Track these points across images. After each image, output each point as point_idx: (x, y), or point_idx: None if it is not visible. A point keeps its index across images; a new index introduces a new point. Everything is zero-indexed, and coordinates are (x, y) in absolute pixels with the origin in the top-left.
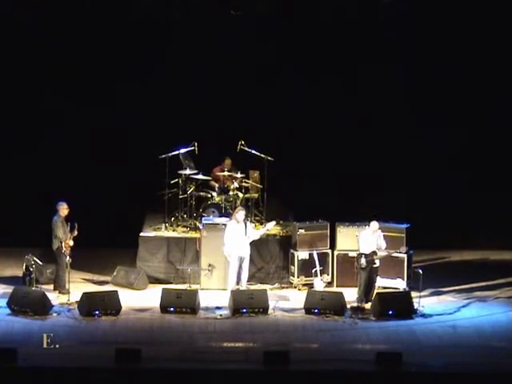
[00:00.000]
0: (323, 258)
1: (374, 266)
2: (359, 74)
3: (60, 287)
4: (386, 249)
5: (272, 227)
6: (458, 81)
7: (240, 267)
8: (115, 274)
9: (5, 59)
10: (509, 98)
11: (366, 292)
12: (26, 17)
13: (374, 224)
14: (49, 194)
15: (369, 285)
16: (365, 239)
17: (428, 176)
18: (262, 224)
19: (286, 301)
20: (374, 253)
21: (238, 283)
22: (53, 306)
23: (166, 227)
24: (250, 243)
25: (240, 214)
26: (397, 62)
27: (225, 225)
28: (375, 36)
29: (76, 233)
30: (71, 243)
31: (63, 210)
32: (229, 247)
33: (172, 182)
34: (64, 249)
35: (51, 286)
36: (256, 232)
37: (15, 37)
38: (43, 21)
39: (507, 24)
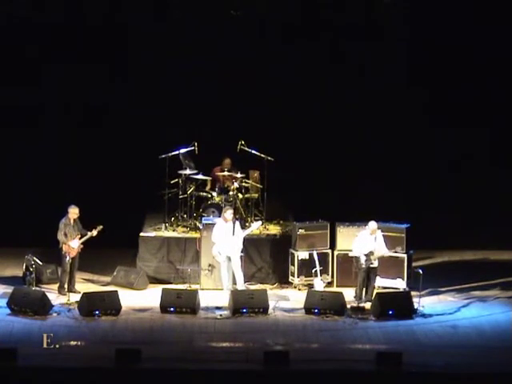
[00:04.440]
0: (323, 257)
1: (372, 266)
2: (359, 74)
3: (60, 287)
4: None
5: (257, 227)
6: (459, 81)
7: (230, 266)
8: (115, 274)
9: None
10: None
11: (364, 291)
12: None
13: (373, 224)
14: (49, 193)
15: (366, 284)
16: (360, 240)
17: (428, 176)
18: (262, 224)
19: (286, 301)
20: (371, 253)
21: (235, 283)
22: (53, 305)
23: (166, 227)
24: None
25: (228, 213)
26: (396, 61)
27: None
28: (377, 34)
29: (93, 233)
30: (75, 246)
31: (71, 213)
32: (216, 246)
33: (172, 182)
34: (64, 251)
35: (51, 286)
36: (242, 232)
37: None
38: None
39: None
